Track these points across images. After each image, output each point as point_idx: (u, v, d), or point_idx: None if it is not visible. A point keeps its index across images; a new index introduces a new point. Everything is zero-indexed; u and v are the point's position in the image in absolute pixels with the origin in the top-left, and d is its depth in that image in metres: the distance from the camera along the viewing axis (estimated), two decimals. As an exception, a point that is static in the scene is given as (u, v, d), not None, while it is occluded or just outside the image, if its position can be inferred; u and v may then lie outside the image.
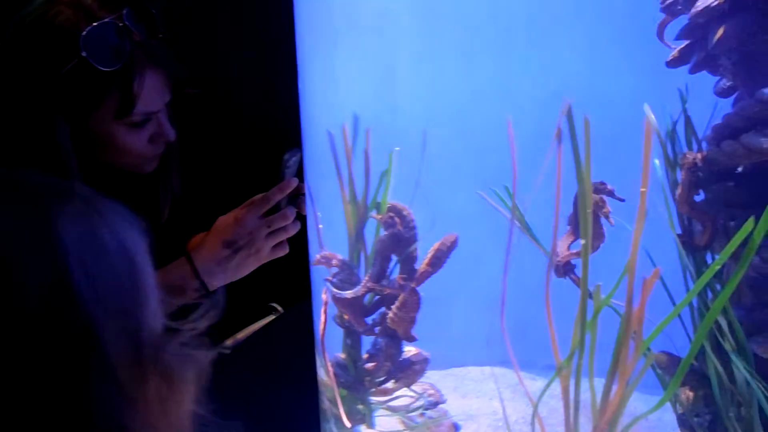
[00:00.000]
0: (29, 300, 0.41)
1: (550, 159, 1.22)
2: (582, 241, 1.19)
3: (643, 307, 1.17)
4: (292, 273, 1.46)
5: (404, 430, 1.44)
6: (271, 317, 1.48)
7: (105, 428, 0.43)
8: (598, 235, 1.24)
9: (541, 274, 1.29)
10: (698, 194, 1.43)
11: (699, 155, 1.37)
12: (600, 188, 1.21)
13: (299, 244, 1.40)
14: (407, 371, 1.34)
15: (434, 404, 1.42)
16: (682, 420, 1.47)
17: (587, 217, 1.20)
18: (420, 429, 1.42)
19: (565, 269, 1.27)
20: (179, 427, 0.50)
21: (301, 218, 1.28)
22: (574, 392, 1.26)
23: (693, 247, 1.47)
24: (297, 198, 1.06)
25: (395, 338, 1.33)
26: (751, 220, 1.05)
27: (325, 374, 1.44)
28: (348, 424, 1.38)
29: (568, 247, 1.28)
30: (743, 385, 1.31)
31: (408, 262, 1.25)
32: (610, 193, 1.23)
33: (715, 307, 1.15)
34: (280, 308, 1.46)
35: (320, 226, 1.33)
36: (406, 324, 1.27)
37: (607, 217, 1.21)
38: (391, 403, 1.43)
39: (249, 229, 0.99)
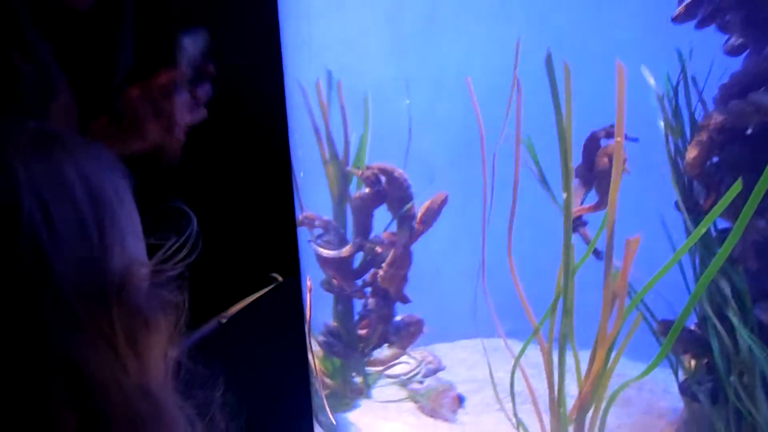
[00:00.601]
0: None
1: (516, 110, 1.17)
2: (564, 195, 1.15)
3: (627, 269, 1.14)
4: (279, 242, 1.42)
5: (405, 398, 1.43)
6: (271, 287, 1.45)
7: (59, 365, 0.42)
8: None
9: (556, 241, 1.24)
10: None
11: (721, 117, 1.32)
12: (610, 131, 1.18)
13: (286, 212, 1.35)
14: (402, 333, 1.31)
15: (433, 371, 1.39)
16: (683, 388, 1.45)
17: (569, 172, 1.17)
18: (424, 400, 1.42)
19: (576, 224, 1.23)
20: (153, 371, 0.49)
21: (287, 185, 1.24)
22: (558, 357, 1.24)
23: (697, 210, 1.43)
24: (198, 83, 1.02)
25: (387, 298, 1.30)
26: (739, 182, 1.01)
27: (312, 359, 1.40)
28: (333, 421, 1.35)
29: (581, 202, 1.23)
30: (746, 351, 1.27)
31: (407, 221, 1.22)
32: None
33: (710, 269, 1.12)
34: (279, 278, 1.43)
35: (301, 174, 1.29)
36: (398, 282, 1.24)
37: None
38: (389, 372, 1.40)
39: (132, 106, 0.97)
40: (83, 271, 0.45)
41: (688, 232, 1.43)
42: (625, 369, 1.46)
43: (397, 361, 1.39)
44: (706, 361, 1.44)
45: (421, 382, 1.40)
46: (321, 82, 1.30)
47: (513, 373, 1.29)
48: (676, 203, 1.46)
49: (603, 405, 1.25)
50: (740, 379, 1.34)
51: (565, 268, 1.21)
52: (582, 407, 1.26)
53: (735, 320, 1.32)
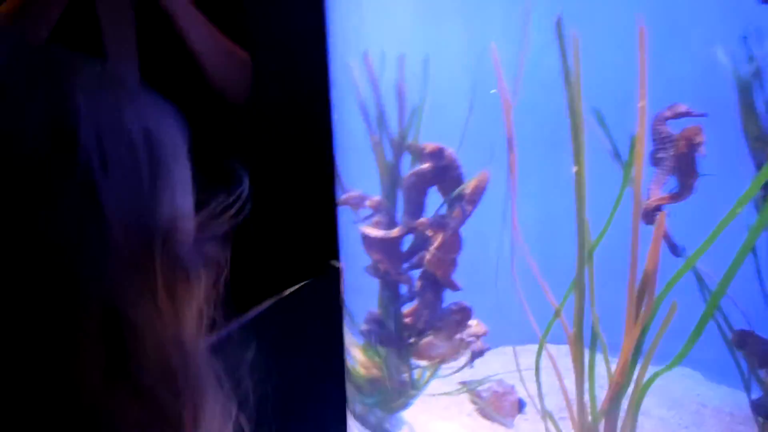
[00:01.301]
0: (29, 141, 0.42)
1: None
2: (574, 169, 1.11)
3: (656, 248, 1.07)
4: (319, 226, 1.40)
5: (455, 391, 1.39)
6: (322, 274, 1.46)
7: (96, 299, 0.42)
8: (691, 172, 1.12)
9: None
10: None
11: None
12: (676, 110, 1.11)
13: (327, 195, 1.33)
14: (447, 320, 1.26)
15: (480, 353, 1.34)
16: (756, 406, 1.33)
17: (580, 146, 1.12)
18: (482, 402, 1.39)
19: (652, 215, 1.15)
20: (187, 324, 0.49)
21: (328, 167, 1.22)
22: (588, 361, 1.18)
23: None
24: None
25: (434, 283, 1.25)
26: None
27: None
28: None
29: (659, 190, 1.16)
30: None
31: (457, 202, 1.19)
32: (687, 113, 1.12)
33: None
34: (337, 264, 1.41)
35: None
36: (446, 266, 1.20)
37: (698, 148, 1.09)
38: (435, 366, 1.36)
39: None
40: (131, 213, 0.45)
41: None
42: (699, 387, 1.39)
43: (443, 354, 1.33)
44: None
45: (471, 367, 1.35)
46: (371, 56, 1.25)
47: (537, 362, 1.24)
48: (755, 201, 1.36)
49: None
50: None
51: (580, 250, 1.14)
52: (613, 399, 1.17)
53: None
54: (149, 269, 0.46)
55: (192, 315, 0.49)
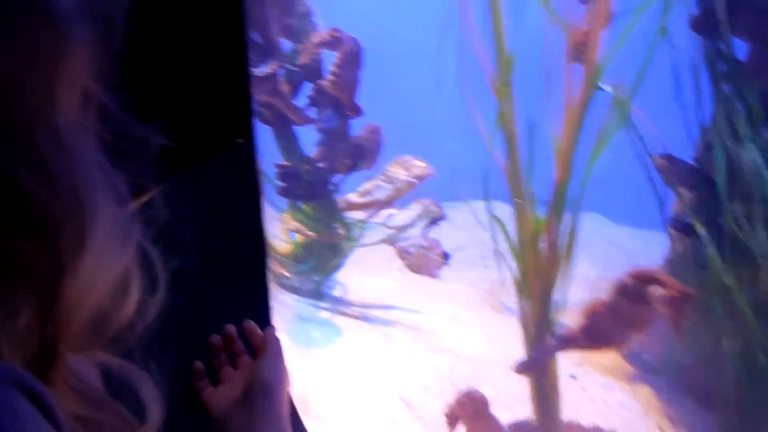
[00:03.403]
0: None
1: None
2: None
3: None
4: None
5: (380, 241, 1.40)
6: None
7: None
8: None
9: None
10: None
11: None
12: None
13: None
14: (367, 147, 1.15)
15: (436, 221, 1.31)
16: (676, 222, 1.42)
17: None
18: (411, 257, 1.54)
19: (583, 50, 1.03)
20: (64, 104, 0.35)
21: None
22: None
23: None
24: None
25: (338, 110, 1.11)
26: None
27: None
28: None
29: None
30: (750, 174, 1.20)
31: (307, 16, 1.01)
32: None
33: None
34: (240, 140, 1.33)
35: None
36: (352, 87, 1.05)
37: None
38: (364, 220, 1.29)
39: None
40: None
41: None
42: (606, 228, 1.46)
43: (390, 196, 1.26)
44: (703, 194, 1.36)
45: (425, 234, 1.34)
46: None
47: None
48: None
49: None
50: (741, 205, 1.28)
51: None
52: (558, 190, 1.16)
53: (745, 139, 1.21)
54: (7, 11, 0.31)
55: (71, 90, 0.34)
